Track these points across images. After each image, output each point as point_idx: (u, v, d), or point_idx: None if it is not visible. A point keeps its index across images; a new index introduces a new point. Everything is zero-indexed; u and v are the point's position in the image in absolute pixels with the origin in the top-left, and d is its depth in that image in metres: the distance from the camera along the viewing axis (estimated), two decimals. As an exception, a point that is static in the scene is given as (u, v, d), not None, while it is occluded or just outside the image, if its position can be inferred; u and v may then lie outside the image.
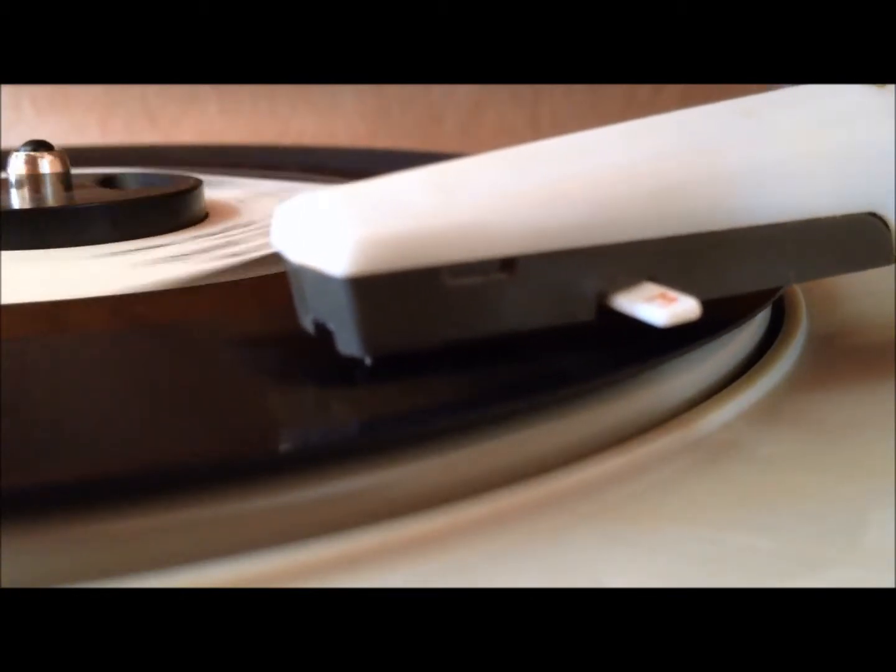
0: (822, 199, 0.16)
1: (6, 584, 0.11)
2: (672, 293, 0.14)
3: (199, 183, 0.27)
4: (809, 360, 0.19)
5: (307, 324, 0.15)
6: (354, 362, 0.14)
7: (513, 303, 0.14)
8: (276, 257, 0.16)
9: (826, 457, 0.15)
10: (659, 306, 0.14)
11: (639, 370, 0.16)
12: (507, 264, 0.14)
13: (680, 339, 0.15)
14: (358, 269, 0.13)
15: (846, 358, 0.19)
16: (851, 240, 0.16)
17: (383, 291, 0.14)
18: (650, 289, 0.15)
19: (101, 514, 0.12)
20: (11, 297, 0.19)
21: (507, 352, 0.15)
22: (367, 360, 0.14)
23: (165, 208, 0.26)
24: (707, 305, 0.15)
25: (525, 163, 0.15)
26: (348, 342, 0.14)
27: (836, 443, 0.15)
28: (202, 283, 0.20)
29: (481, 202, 0.14)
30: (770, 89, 0.17)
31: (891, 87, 0.17)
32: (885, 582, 0.12)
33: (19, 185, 0.26)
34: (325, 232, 0.14)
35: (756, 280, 0.16)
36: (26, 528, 0.12)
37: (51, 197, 0.26)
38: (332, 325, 0.14)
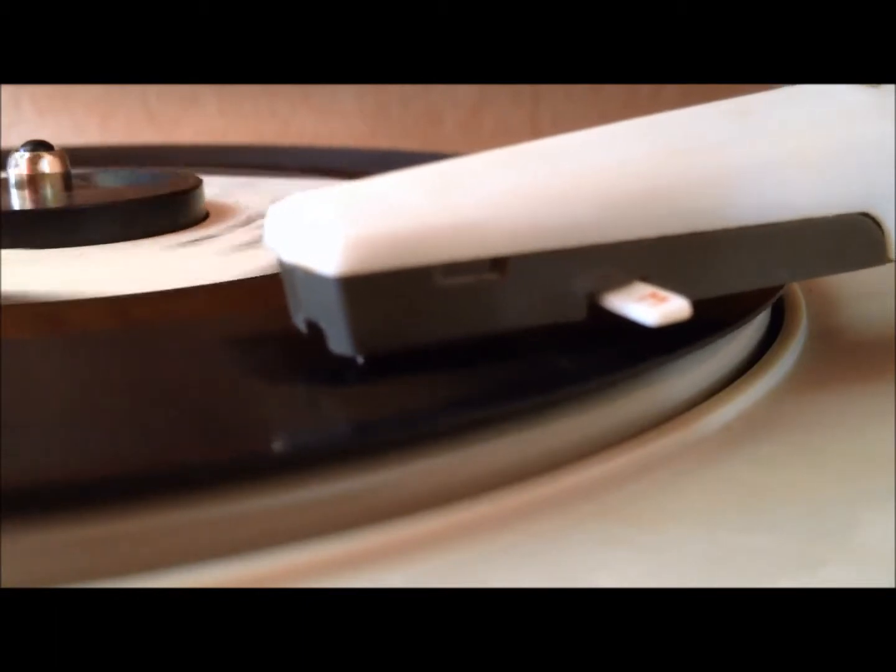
0: (814, 200, 0.16)
1: (6, 584, 0.11)
2: (663, 293, 0.14)
3: (199, 182, 0.27)
4: (809, 360, 0.19)
5: (300, 323, 0.15)
6: (355, 362, 0.14)
7: (504, 302, 0.14)
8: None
9: (825, 457, 0.15)
10: (649, 306, 0.14)
11: (638, 371, 0.16)
12: (499, 264, 0.14)
13: (680, 339, 0.15)
14: (349, 269, 0.13)
15: (846, 358, 0.19)
16: (844, 240, 0.16)
17: (374, 291, 0.14)
18: (641, 288, 0.15)
19: (101, 514, 0.12)
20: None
21: (506, 352, 0.15)
22: (359, 360, 0.14)
23: (167, 208, 0.26)
24: (707, 306, 0.15)
25: (516, 162, 0.15)
26: (339, 341, 0.14)
27: (835, 443, 0.15)
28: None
29: (472, 202, 0.14)
30: (769, 89, 0.17)
31: (885, 87, 0.17)
32: (884, 582, 0.12)
33: (19, 185, 0.26)
34: (316, 231, 0.14)
35: (748, 280, 0.16)
36: (26, 528, 0.12)
37: (51, 197, 0.26)
38: (323, 324, 0.14)
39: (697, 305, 0.14)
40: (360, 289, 0.14)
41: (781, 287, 0.19)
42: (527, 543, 0.13)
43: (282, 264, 0.15)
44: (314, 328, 0.14)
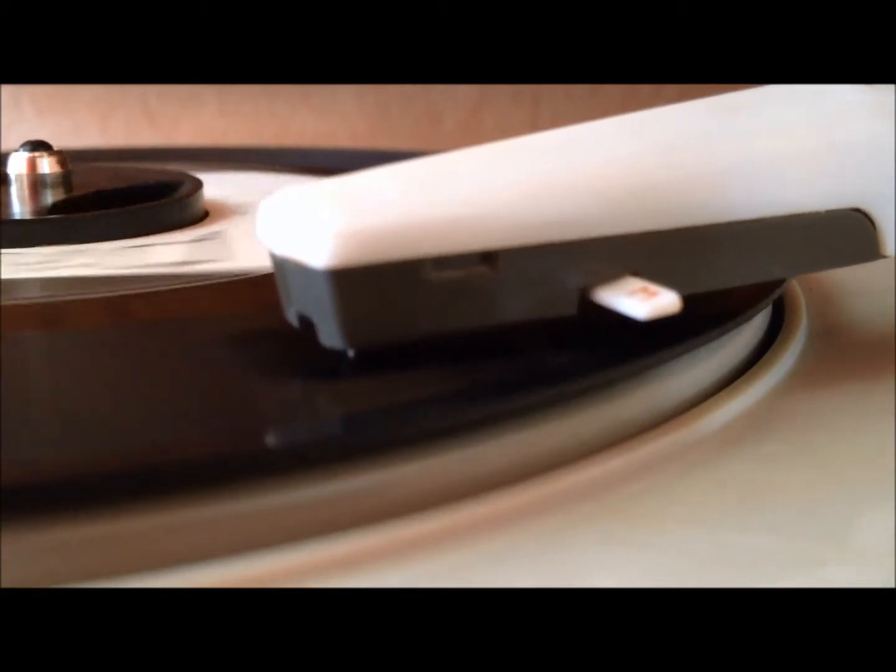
0: (806, 195, 0.16)
1: (6, 584, 0.11)
2: (653, 287, 0.15)
3: (199, 185, 0.27)
4: (809, 360, 0.19)
5: (291, 317, 0.15)
6: (346, 357, 0.14)
7: (494, 296, 0.14)
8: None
9: (826, 456, 0.15)
10: (640, 300, 0.14)
11: (638, 369, 0.16)
12: (489, 258, 0.14)
13: (680, 338, 0.15)
14: (339, 262, 0.13)
15: (846, 357, 0.19)
16: (836, 235, 0.16)
17: (364, 284, 0.14)
18: (632, 283, 0.15)
19: (101, 514, 0.12)
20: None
21: (506, 351, 0.15)
22: (350, 353, 0.14)
23: (167, 212, 0.26)
24: (706, 305, 0.15)
25: (507, 157, 0.15)
26: (330, 335, 0.14)
27: (835, 442, 0.15)
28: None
29: (463, 196, 0.14)
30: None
31: (878, 86, 0.17)
32: (884, 582, 0.12)
33: (19, 185, 0.26)
34: (307, 225, 0.14)
35: (741, 275, 0.16)
36: (26, 528, 0.12)
37: (50, 198, 0.26)
38: (314, 318, 0.14)
39: (697, 304, 0.14)
40: (351, 281, 0.14)
41: (780, 286, 0.19)
42: (527, 543, 0.13)
43: (273, 258, 0.15)
44: (306, 322, 0.15)
